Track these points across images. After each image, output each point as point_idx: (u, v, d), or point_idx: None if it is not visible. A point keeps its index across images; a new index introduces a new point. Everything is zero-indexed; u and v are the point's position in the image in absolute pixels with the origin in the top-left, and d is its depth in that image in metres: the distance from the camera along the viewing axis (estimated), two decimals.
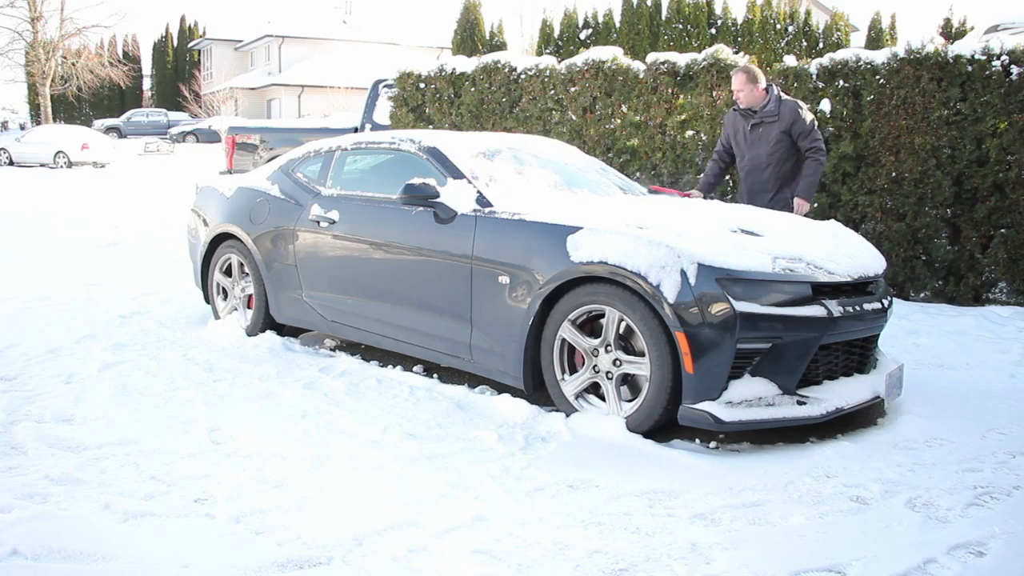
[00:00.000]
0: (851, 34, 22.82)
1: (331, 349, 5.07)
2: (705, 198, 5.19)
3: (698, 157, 6.87)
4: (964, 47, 5.93)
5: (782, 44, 22.00)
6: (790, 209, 5.10)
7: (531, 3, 46.49)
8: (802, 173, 5.22)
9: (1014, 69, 5.72)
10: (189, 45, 49.43)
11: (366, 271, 4.51)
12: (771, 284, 3.41)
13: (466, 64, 8.24)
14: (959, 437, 3.53)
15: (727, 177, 6.80)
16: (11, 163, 25.49)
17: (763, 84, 5.28)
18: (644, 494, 2.95)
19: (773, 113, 5.23)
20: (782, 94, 5.32)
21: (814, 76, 6.41)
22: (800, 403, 3.43)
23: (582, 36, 22.39)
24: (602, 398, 3.65)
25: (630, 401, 3.54)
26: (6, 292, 6.45)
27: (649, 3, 22.52)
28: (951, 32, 19.70)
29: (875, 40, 22.51)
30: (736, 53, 7.00)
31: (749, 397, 3.35)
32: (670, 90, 7.01)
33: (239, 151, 10.72)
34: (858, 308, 3.58)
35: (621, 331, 3.53)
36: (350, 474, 3.11)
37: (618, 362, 3.54)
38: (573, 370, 3.73)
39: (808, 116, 5.23)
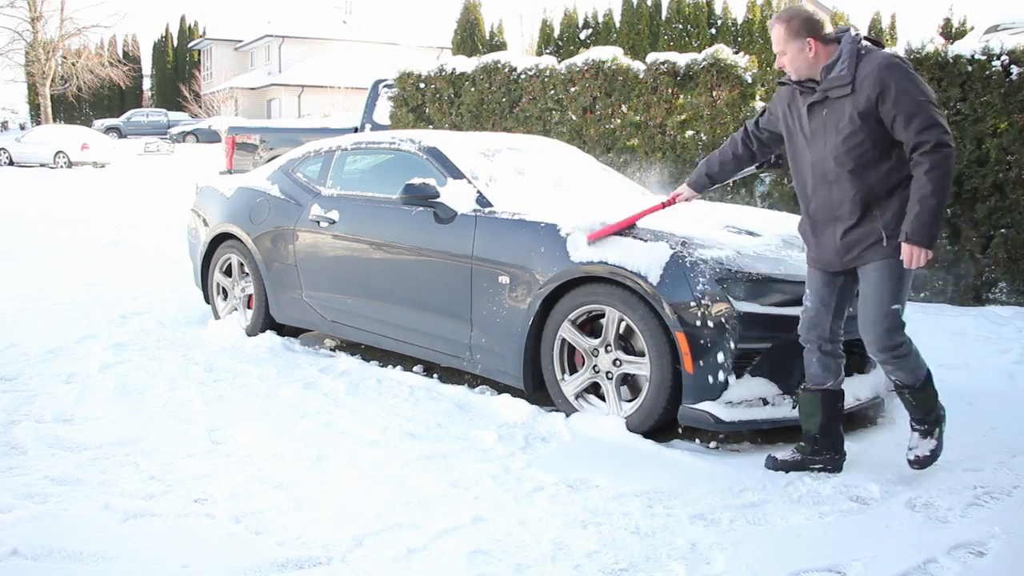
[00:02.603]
0: None
1: (331, 349, 5.07)
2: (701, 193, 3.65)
3: (698, 157, 6.86)
4: (964, 47, 5.92)
5: None
6: (887, 253, 2.90)
7: (531, 3, 46.62)
8: (911, 190, 2.82)
9: (1014, 69, 5.71)
10: (189, 45, 49.40)
11: (366, 271, 4.51)
12: (771, 284, 3.42)
13: (466, 64, 8.24)
14: (959, 437, 3.52)
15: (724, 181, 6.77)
16: (11, 163, 25.46)
17: (828, 35, 2.99)
18: (644, 494, 2.95)
19: (844, 80, 2.89)
20: (868, 45, 2.97)
21: None
22: None
23: (582, 36, 22.42)
24: (602, 398, 3.65)
25: (630, 401, 3.54)
26: (6, 292, 6.45)
27: (649, 3, 22.53)
28: (951, 32, 19.69)
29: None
30: (736, 53, 6.99)
31: (749, 397, 3.35)
32: (670, 90, 7.00)
33: (239, 151, 10.73)
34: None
35: (621, 331, 3.53)
36: (350, 474, 3.11)
37: (618, 362, 3.54)
38: (573, 370, 3.73)
39: (915, 82, 2.82)
